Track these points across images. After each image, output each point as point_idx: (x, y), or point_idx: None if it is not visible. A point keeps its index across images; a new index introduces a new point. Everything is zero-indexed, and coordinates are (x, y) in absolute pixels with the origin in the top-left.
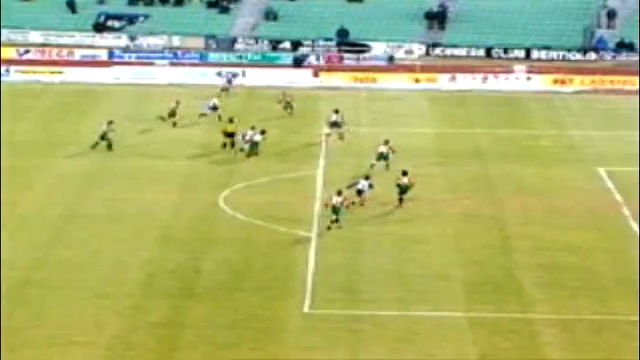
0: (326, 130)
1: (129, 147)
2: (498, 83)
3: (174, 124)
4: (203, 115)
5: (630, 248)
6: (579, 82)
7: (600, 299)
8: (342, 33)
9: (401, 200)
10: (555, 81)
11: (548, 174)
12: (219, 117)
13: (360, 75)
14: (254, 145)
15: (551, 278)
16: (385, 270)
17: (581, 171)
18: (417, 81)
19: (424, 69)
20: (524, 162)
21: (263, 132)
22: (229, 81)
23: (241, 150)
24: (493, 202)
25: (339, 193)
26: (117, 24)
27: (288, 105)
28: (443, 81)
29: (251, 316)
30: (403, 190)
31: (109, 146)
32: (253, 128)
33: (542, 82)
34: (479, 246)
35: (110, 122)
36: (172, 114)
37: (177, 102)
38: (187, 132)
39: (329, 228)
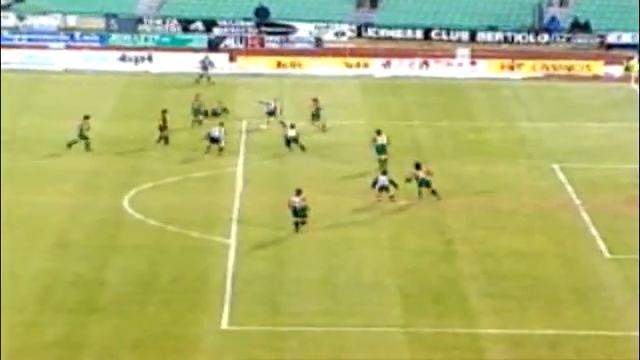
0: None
1: (20, 142)
2: (438, 69)
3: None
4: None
5: (585, 253)
6: (529, 67)
7: (553, 311)
8: (262, 12)
9: (433, 192)
10: (502, 67)
11: (494, 171)
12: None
13: (283, 60)
14: (214, 141)
15: (498, 288)
16: (312, 280)
17: (532, 168)
18: (348, 66)
19: (355, 53)
20: (467, 158)
21: (221, 124)
22: (205, 67)
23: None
24: (432, 203)
25: (299, 193)
26: (3, 1)
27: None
28: (376, 67)
29: (161, 333)
30: (425, 184)
31: (87, 145)
32: (222, 124)
33: (488, 68)
34: (417, 252)
35: (86, 117)
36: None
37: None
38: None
39: (297, 230)
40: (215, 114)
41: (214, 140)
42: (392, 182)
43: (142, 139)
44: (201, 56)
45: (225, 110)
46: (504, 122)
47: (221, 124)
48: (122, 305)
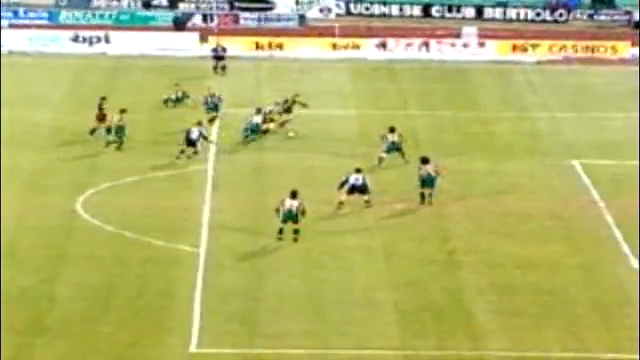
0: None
1: None
2: (440, 51)
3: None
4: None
5: (609, 264)
6: (545, 49)
7: (571, 331)
8: None
9: (423, 197)
10: (514, 48)
11: (504, 169)
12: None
13: (261, 40)
14: (191, 144)
15: (508, 303)
16: (294, 295)
17: (547, 165)
18: (336, 48)
19: (344, 32)
20: (473, 154)
21: (200, 123)
22: (218, 57)
23: (110, 143)
24: (433, 206)
25: (293, 195)
26: None
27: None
28: (369, 48)
29: (118, 358)
30: (426, 183)
31: (119, 145)
32: (199, 124)
33: (497, 49)
34: (415, 263)
35: (122, 111)
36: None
37: None
38: (34, 114)
39: (279, 239)
40: (178, 100)
41: (191, 143)
42: (363, 183)
43: (98, 132)
44: (212, 43)
45: (185, 95)
46: (516, 112)
47: (199, 123)
48: (74, 324)
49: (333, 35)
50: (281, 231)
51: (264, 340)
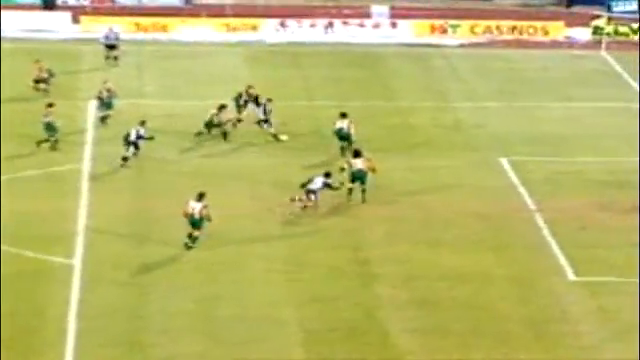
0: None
1: None
2: (348, 33)
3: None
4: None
5: (544, 275)
6: (468, 30)
7: (502, 351)
8: None
9: (351, 192)
10: (432, 29)
11: (424, 167)
12: None
13: (143, 21)
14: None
15: (430, 321)
16: (184, 312)
17: (473, 162)
18: (229, 30)
19: (238, 12)
20: (388, 149)
21: (143, 123)
22: (111, 46)
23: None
24: (343, 210)
25: (201, 197)
26: None
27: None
28: (268, 30)
29: None
30: (356, 178)
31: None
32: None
33: (413, 31)
34: (323, 275)
35: (143, 122)
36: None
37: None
38: None
39: (188, 247)
40: (43, 81)
41: (131, 144)
42: (328, 185)
43: None
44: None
45: (51, 74)
46: (436, 102)
47: (142, 123)
48: None
49: (225, 15)
50: (193, 237)
51: None
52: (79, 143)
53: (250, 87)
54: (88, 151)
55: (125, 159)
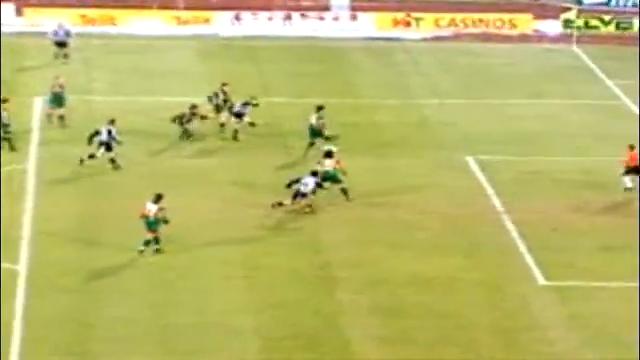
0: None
1: None
2: (307, 26)
3: None
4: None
5: (513, 280)
6: (432, 23)
7: (468, 359)
8: None
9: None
10: (395, 22)
11: (387, 166)
12: None
13: (90, 13)
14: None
15: (393, 328)
16: (135, 320)
17: (438, 162)
18: (181, 23)
19: (191, 4)
20: (350, 148)
21: (112, 122)
22: (61, 43)
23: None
24: (303, 211)
25: (158, 198)
26: None
27: None
28: (222, 23)
29: None
30: (327, 179)
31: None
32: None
33: (375, 24)
34: (283, 280)
35: (112, 121)
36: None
37: None
38: None
39: (140, 251)
40: None
41: (103, 145)
42: (319, 185)
43: None
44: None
45: None
46: (400, 99)
47: (112, 122)
48: None
49: (177, 7)
50: (153, 241)
51: None
52: (25, 142)
53: (225, 84)
54: (34, 151)
55: (92, 157)
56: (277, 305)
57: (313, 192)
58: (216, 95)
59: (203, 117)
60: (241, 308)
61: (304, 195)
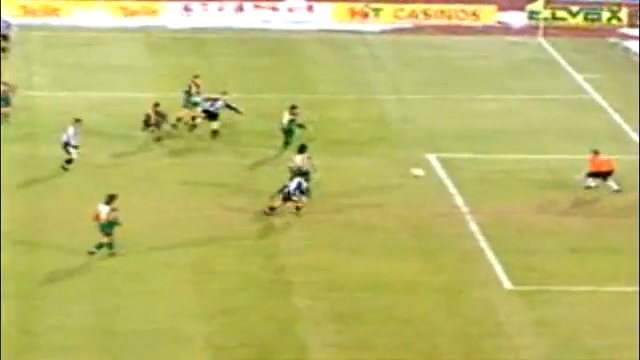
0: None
1: None
2: (259, 17)
3: None
4: None
5: (477, 285)
6: (391, 15)
7: None
8: None
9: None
10: (352, 13)
11: (344, 166)
12: None
13: (29, 4)
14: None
15: (350, 335)
16: (80, 328)
17: (398, 160)
18: (127, 14)
19: None
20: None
21: (78, 120)
22: (4, 36)
23: None
24: (257, 213)
25: (110, 199)
26: None
27: None
28: (170, 14)
29: None
30: (298, 176)
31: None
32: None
33: (331, 15)
34: (235, 285)
35: (77, 120)
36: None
37: None
38: None
39: (90, 253)
40: None
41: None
42: (305, 188)
43: None
44: None
45: None
46: (358, 94)
47: (77, 120)
48: None
49: None
50: (107, 245)
51: None
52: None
53: (196, 77)
54: None
55: (69, 162)
56: (229, 311)
57: (295, 192)
58: (190, 88)
59: (179, 119)
60: (191, 314)
61: (288, 196)
